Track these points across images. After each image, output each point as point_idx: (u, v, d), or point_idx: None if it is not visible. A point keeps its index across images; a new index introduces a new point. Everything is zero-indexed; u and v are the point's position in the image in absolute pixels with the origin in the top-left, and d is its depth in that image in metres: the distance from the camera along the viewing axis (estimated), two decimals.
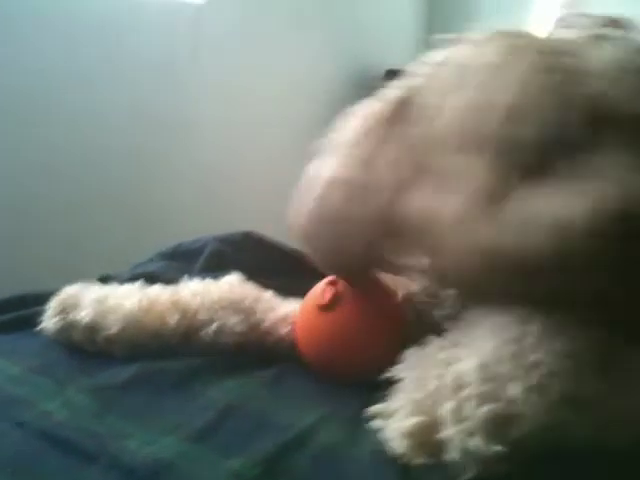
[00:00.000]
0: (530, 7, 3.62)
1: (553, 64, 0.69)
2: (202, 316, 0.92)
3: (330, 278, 0.93)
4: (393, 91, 0.83)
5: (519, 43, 0.73)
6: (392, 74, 3.16)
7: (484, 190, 0.68)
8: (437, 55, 0.82)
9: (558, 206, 0.64)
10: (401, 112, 0.80)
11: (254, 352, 0.93)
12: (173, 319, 0.91)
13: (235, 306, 0.94)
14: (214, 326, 0.92)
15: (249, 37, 2.91)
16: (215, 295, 0.94)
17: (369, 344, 0.87)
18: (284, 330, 0.95)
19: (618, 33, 0.75)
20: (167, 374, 0.86)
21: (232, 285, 0.97)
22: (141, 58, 2.48)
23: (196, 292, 0.94)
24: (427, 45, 3.21)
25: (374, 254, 0.82)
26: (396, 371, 0.73)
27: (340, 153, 0.84)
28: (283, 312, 0.96)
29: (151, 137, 2.55)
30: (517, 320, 0.69)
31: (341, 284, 0.91)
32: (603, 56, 0.70)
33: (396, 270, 0.86)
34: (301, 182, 0.89)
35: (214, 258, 1.16)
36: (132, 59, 2.46)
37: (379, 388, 0.73)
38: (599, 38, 0.73)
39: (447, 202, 0.70)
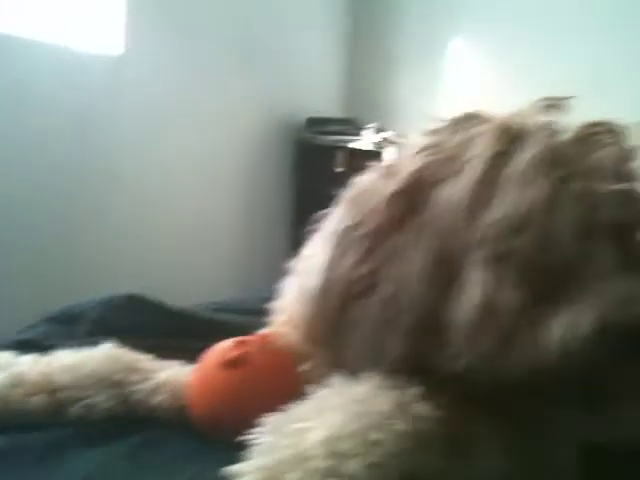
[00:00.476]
0: (445, 60, 3.73)
1: (566, 175, 0.71)
2: (71, 393, 0.92)
3: (240, 338, 0.95)
4: (392, 185, 0.80)
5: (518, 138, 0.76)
6: (314, 122, 3.24)
7: (490, 303, 0.70)
8: (425, 140, 0.82)
9: (565, 327, 0.67)
10: (412, 203, 0.78)
11: (125, 422, 0.93)
12: (40, 398, 0.91)
13: (105, 381, 0.94)
14: (82, 403, 0.92)
15: (169, 86, 2.93)
16: (86, 370, 0.94)
17: (266, 404, 0.88)
18: (158, 398, 0.96)
19: (609, 136, 0.78)
20: (31, 448, 0.86)
21: (104, 357, 0.97)
22: (60, 108, 2.49)
23: (66, 367, 0.94)
24: (348, 94, 3.30)
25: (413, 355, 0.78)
26: (255, 434, 0.74)
27: (343, 245, 0.81)
28: (158, 380, 0.97)
29: (69, 187, 2.55)
30: (370, 394, 0.72)
31: (253, 345, 0.93)
32: (601, 161, 0.74)
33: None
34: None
35: (97, 322, 1.17)
36: (51, 109, 2.46)
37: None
38: (591, 139, 0.77)
39: (463, 311, 0.72)
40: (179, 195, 3.04)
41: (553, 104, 0.81)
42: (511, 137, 0.75)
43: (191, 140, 3.07)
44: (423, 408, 0.70)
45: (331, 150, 3.31)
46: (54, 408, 0.92)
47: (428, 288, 0.74)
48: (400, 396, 0.71)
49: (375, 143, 3.29)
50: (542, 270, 0.70)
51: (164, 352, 1.05)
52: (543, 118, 0.79)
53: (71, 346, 1.01)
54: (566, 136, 0.77)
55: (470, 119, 0.81)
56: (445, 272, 0.74)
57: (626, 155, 0.76)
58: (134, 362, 0.99)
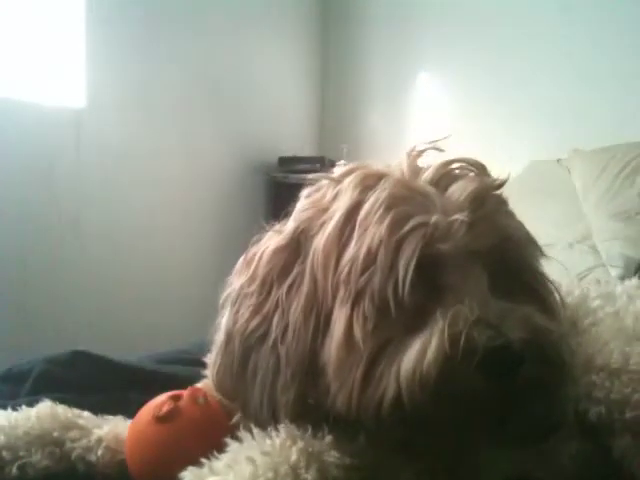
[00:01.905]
0: (413, 95, 3.78)
1: (403, 214, 0.77)
2: (5, 455, 0.94)
3: (173, 392, 0.98)
4: (274, 242, 0.87)
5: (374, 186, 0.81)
6: (285, 161, 3.29)
7: (349, 339, 0.75)
8: (313, 194, 0.89)
9: (414, 354, 0.71)
10: (293, 256, 0.85)
11: (63, 478, 0.95)
12: None
13: (41, 440, 0.96)
14: (18, 464, 0.94)
15: (134, 135, 2.96)
16: (20, 430, 0.96)
17: (194, 457, 0.91)
18: (98, 454, 0.99)
19: (466, 172, 0.86)
20: None
21: (41, 416, 0.99)
22: (22, 161, 2.51)
23: (1, 429, 0.96)
24: (319, 132, 3.34)
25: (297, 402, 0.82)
26: None
27: (238, 303, 0.87)
28: (97, 436, 1.00)
29: (34, 240, 2.57)
30: (279, 446, 0.75)
31: (184, 399, 0.95)
32: (449, 196, 0.80)
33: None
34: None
35: (42, 380, 1.19)
36: (15, 162, 2.49)
37: None
38: (446, 176, 0.83)
39: (330, 349, 0.77)
40: (147, 243, 3.05)
41: (426, 148, 0.88)
42: (367, 186, 0.81)
43: (159, 184, 3.09)
44: (332, 456, 0.74)
45: (303, 188, 3.34)
46: None
47: (305, 331, 0.80)
48: (309, 446, 0.75)
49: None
50: (395, 303, 0.74)
51: (108, 406, 1.07)
52: (408, 163, 0.85)
53: (13, 406, 1.03)
54: (424, 176, 0.82)
55: (347, 173, 0.86)
56: (320, 314, 0.79)
57: (479, 188, 0.81)
58: (73, 419, 1.01)
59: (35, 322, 2.54)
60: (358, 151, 3.82)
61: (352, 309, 0.76)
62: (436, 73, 3.72)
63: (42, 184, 2.58)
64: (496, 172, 2.77)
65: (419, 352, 0.71)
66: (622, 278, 2.21)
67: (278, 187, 3.63)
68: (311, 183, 0.91)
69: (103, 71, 2.78)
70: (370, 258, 0.76)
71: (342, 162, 3.51)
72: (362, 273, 0.76)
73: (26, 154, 2.51)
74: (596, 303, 1.09)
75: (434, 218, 0.77)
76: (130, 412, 1.04)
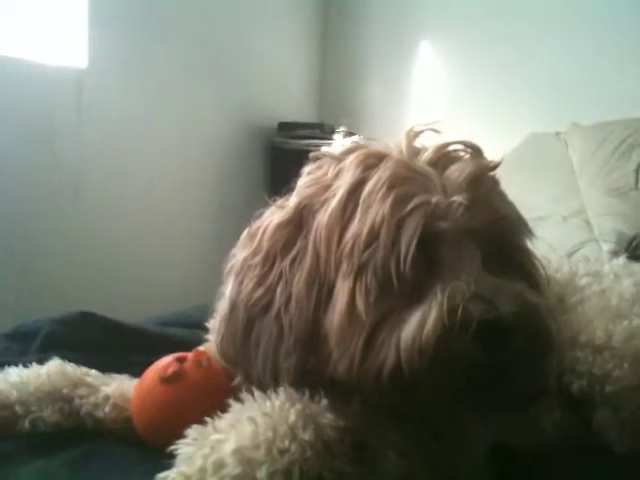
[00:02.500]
0: (414, 63, 3.79)
1: (405, 193, 0.81)
2: (18, 410, 1.00)
3: (179, 354, 1.03)
4: (278, 217, 0.91)
5: (376, 165, 0.85)
6: (285, 126, 3.29)
7: (352, 310, 0.80)
8: (315, 171, 0.94)
9: (414, 325, 0.76)
10: (296, 231, 0.89)
11: (73, 433, 1.01)
12: None
13: (51, 396, 1.02)
14: (30, 418, 0.99)
15: (134, 97, 2.95)
16: (32, 387, 1.02)
17: (198, 417, 0.96)
18: (105, 411, 1.04)
19: (461, 154, 0.90)
20: None
21: (52, 373, 1.04)
22: (25, 120, 2.51)
23: (13, 385, 1.02)
24: (319, 98, 3.35)
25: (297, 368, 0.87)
26: (178, 445, 0.82)
27: (242, 274, 0.92)
28: (104, 394, 1.05)
29: (34, 201, 2.57)
30: (278, 407, 0.80)
31: (188, 362, 1.01)
32: (447, 177, 0.84)
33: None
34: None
35: (50, 339, 1.24)
36: (15, 121, 2.48)
37: None
38: (443, 158, 0.87)
39: (333, 319, 0.82)
40: (148, 206, 3.06)
41: (423, 129, 0.92)
42: (369, 165, 0.86)
43: (159, 150, 3.10)
44: (328, 418, 0.80)
45: (303, 154, 3.34)
46: (3, 423, 0.99)
47: (308, 302, 0.85)
48: (306, 408, 0.80)
49: (345, 145, 3.35)
50: (396, 277, 0.79)
51: (113, 366, 1.13)
52: (407, 143, 0.89)
53: (24, 362, 1.08)
54: (423, 156, 0.87)
55: (348, 152, 0.91)
56: (322, 286, 0.84)
57: (475, 169, 0.86)
58: (81, 377, 1.07)
59: (37, 284, 2.56)
60: (357, 118, 3.84)
61: (355, 282, 0.81)
62: (437, 43, 3.71)
63: (43, 145, 2.58)
64: (496, 143, 2.80)
65: (419, 323, 0.76)
66: (614, 253, 2.25)
67: (277, 152, 3.65)
68: (313, 160, 0.94)
69: (106, 32, 2.76)
70: (373, 234, 0.81)
71: (342, 129, 3.55)
72: (365, 248, 0.81)
73: (26, 112, 2.51)
74: (584, 281, 1.14)
75: (435, 198, 0.81)
76: (133, 372, 1.10)
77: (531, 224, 2.49)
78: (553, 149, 2.94)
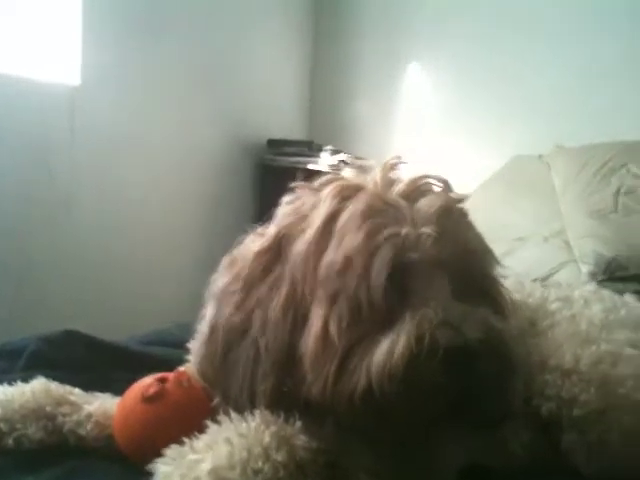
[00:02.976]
0: (403, 83, 3.83)
1: (377, 225, 0.85)
2: (2, 427, 1.02)
3: (160, 375, 1.07)
4: (258, 245, 0.95)
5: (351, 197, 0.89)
6: (274, 143, 3.33)
7: (325, 335, 0.83)
8: (294, 201, 0.97)
9: (384, 350, 0.80)
10: (274, 258, 0.93)
11: (57, 451, 1.03)
12: None
13: (36, 414, 1.04)
14: (14, 435, 1.02)
15: (127, 114, 2.97)
16: (16, 404, 1.04)
17: (178, 436, 0.99)
18: (87, 428, 1.07)
19: (434, 187, 0.94)
20: None
21: (35, 392, 1.07)
22: (16, 138, 2.52)
23: None
24: (308, 116, 3.39)
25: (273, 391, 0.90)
26: (156, 464, 0.84)
27: (221, 299, 0.96)
28: (86, 412, 1.08)
29: (29, 218, 2.59)
30: (254, 429, 0.84)
31: (170, 382, 1.04)
32: (418, 209, 0.88)
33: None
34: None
35: (35, 357, 1.27)
36: (8, 138, 2.49)
37: None
38: (416, 191, 0.91)
39: (307, 344, 0.85)
40: (140, 222, 3.08)
41: (397, 162, 0.97)
42: (344, 197, 0.90)
43: (151, 167, 3.12)
44: (301, 440, 0.83)
45: (291, 171, 3.40)
46: None
47: (284, 326, 0.88)
48: (280, 430, 0.84)
49: (331, 165, 3.39)
50: (368, 305, 0.83)
51: (96, 384, 1.16)
52: (382, 175, 0.93)
53: (9, 380, 1.11)
54: (396, 189, 0.91)
55: (326, 183, 0.95)
56: (298, 312, 0.88)
57: (445, 203, 0.90)
58: (65, 395, 1.09)
59: (31, 299, 2.57)
60: (346, 137, 3.88)
61: (328, 308, 0.85)
62: (426, 64, 3.76)
63: (37, 162, 2.60)
64: (482, 163, 2.83)
65: (389, 348, 0.80)
66: (592, 274, 2.30)
67: (266, 169, 3.68)
68: (292, 190, 0.98)
69: (99, 50, 2.78)
70: (347, 263, 0.84)
71: (329, 147, 3.59)
72: (339, 276, 0.85)
73: (20, 130, 2.52)
74: (555, 306, 1.17)
75: (405, 230, 0.85)
76: (116, 390, 1.12)
77: (512, 244, 2.55)
78: (536, 171, 2.99)
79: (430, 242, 0.85)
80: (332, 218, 0.89)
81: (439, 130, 3.68)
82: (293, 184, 0.99)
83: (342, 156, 3.45)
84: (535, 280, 1.54)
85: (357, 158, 3.38)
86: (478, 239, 0.94)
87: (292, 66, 4.04)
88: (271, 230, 0.96)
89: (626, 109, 3.08)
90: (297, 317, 0.88)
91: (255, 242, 0.96)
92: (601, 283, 2.20)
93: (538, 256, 2.55)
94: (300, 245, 0.90)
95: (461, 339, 0.79)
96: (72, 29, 2.73)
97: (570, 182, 2.74)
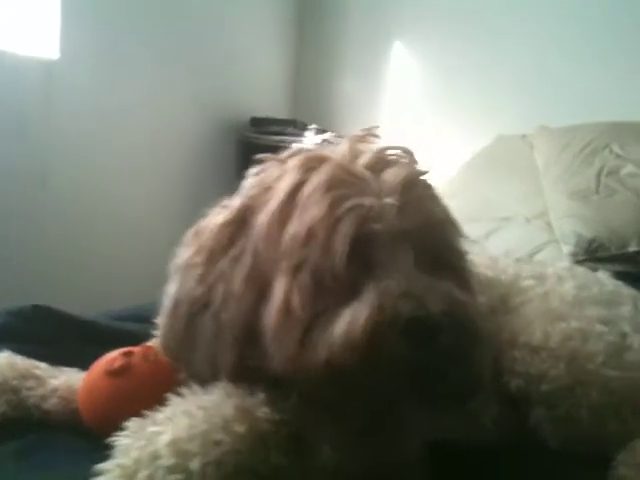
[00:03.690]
0: (388, 62, 3.81)
1: (341, 196, 0.84)
2: None
3: (126, 349, 1.06)
4: (220, 217, 0.94)
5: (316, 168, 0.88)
6: (257, 121, 3.30)
7: (288, 307, 0.82)
8: (260, 173, 0.96)
9: (346, 321, 0.79)
10: (238, 230, 0.91)
11: (20, 424, 1.02)
12: None
13: (1, 387, 1.04)
14: None
15: (106, 89, 2.95)
16: None
17: (143, 410, 0.98)
18: (52, 402, 1.07)
19: (399, 159, 0.92)
20: None
21: (0, 365, 1.06)
22: None
23: None
24: (293, 94, 3.36)
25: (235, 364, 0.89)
26: (117, 437, 0.83)
27: (184, 272, 0.94)
28: (52, 386, 1.08)
29: (2, 192, 2.57)
30: (215, 401, 0.83)
31: (135, 356, 1.03)
32: (383, 181, 0.86)
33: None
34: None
35: (3, 331, 1.25)
36: None
37: None
38: (380, 162, 0.90)
39: (269, 316, 0.84)
40: (117, 199, 3.06)
41: (365, 134, 0.95)
42: (309, 168, 0.88)
43: (130, 143, 3.09)
44: (263, 412, 0.83)
45: (274, 150, 3.34)
46: None
47: (246, 299, 0.87)
48: (242, 402, 0.83)
49: (315, 144, 3.37)
50: (331, 276, 0.82)
51: (65, 359, 1.14)
52: (349, 147, 0.92)
53: None
54: (362, 160, 0.89)
55: (292, 155, 0.94)
56: (261, 285, 0.87)
57: (409, 174, 0.89)
58: (30, 369, 1.08)
59: (1, 275, 2.55)
60: (331, 116, 3.86)
61: (291, 280, 0.83)
62: (411, 43, 3.73)
63: (11, 134, 2.57)
64: (468, 143, 2.83)
65: (351, 320, 0.79)
66: (573, 255, 2.30)
67: (249, 147, 3.63)
68: (259, 162, 0.97)
69: (78, 24, 2.75)
70: (310, 235, 0.83)
71: (314, 126, 3.57)
72: (302, 248, 0.83)
73: None
74: (527, 283, 1.17)
75: (368, 201, 0.84)
76: (86, 365, 1.10)
77: (496, 224, 2.55)
78: (519, 151, 2.98)
79: (393, 213, 0.84)
80: (296, 189, 0.87)
81: (425, 109, 3.66)
82: (260, 156, 0.98)
83: (327, 135, 3.43)
84: (525, 259, 1.54)
85: (340, 136, 3.36)
86: (443, 211, 0.92)
87: (276, 44, 4.00)
88: (235, 202, 0.94)
89: (611, 91, 3.07)
90: (260, 290, 0.86)
91: (220, 214, 0.95)
92: (582, 263, 2.21)
93: (520, 236, 2.55)
94: (263, 217, 0.88)
95: (423, 311, 0.78)
96: (51, 3, 2.70)
97: (552, 162, 2.74)
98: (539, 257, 2.36)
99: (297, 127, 3.61)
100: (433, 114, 3.62)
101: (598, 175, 2.55)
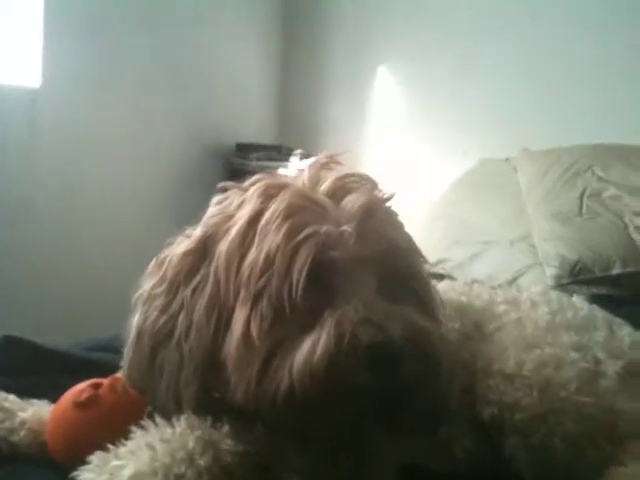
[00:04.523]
0: (373, 87, 3.83)
1: (298, 223, 0.84)
2: None
3: (94, 380, 1.04)
4: (182, 247, 0.93)
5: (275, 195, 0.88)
6: (243, 147, 3.29)
7: (247, 337, 0.82)
8: (222, 201, 0.95)
9: (305, 350, 0.79)
10: (199, 260, 0.91)
11: None
12: None
13: None
14: None
15: (90, 116, 2.94)
16: None
17: (110, 442, 0.97)
18: (20, 435, 1.05)
19: (357, 185, 0.92)
20: None
21: None
22: None
23: None
24: (278, 120, 3.36)
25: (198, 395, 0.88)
26: (79, 471, 0.82)
27: (147, 303, 0.93)
28: (20, 419, 1.06)
29: None
30: (178, 434, 0.82)
31: (103, 387, 1.02)
32: (343, 207, 0.87)
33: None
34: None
35: None
36: None
37: None
38: (340, 189, 0.90)
39: (230, 346, 0.84)
40: (101, 226, 3.04)
41: (330, 161, 0.96)
42: (269, 196, 0.88)
43: (113, 169, 3.08)
44: (227, 444, 0.82)
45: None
46: None
47: (207, 329, 0.87)
48: (205, 435, 0.82)
49: (300, 169, 3.37)
50: (289, 304, 0.82)
51: (35, 390, 1.13)
52: (310, 174, 0.92)
53: None
54: (322, 187, 0.90)
55: (254, 182, 0.93)
56: (222, 314, 0.86)
57: (368, 201, 0.89)
58: None
59: None
60: (317, 141, 3.87)
61: (251, 309, 0.83)
62: (394, 67, 3.76)
63: None
64: (450, 166, 2.84)
65: (310, 348, 0.79)
66: (557, 277, 2.30)
67: (235, 173, 3.63)
68: (221, 190, 0.96)
69: (60, 52, 2.75)
70: (268, 263, 0.83)
71: (299, 151, 3.57)
72: (261, 277, 0.83)
73: None
74: (501, 308, 1.16)
75: (325, 228, 0.84)
76: (55, 397, 1.09)
77: (480, 247, 2.55)
78: (502, 174, 2.99)
79: (352, 239, 0.84)
80: (256, 217, 0.87)
81: (408, 133, 3.68)
82: (222, 184, 0.98)
83: (310, 160, 3.43)
84: (501, 285, 1.53)
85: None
86: (405, 237, 0.93)
87: (261, 69, 4.02)
88: (198, 231, 0.94)
89: (592, 113, 3.09)
90: (221, 320, 0.86)
91: (182, 243, 0.94)
92: (567, 287, 2.21)
93: (504, 259, 2.55)
94: (224, 245, 0.88)
95: (383, 336, 0.78)
96: (33, 31, 2.71)
97: (535, 185, 2.75)
98: (523, 280, 2.36)
99: (282, 152, 3.62)
100: (416, 137, 3.64)
101: (581, 197, 2.56)
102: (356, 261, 0.84)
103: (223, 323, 0.86)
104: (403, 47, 3.71)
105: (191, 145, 3.55)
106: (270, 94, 4.08)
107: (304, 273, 0.81)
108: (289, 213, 0.85)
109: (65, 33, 2.78)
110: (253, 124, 3.94)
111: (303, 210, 0.86)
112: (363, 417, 0.81)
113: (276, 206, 0.86)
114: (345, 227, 0.84)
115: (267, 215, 0.86)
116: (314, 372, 0.77)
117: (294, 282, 0.81)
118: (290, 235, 0.83)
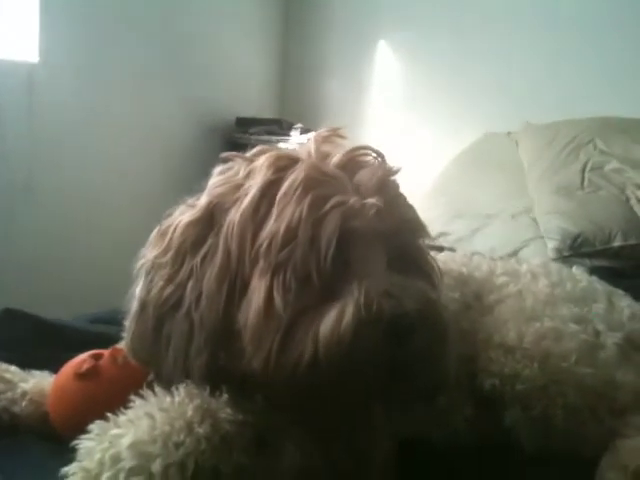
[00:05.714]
0: (373, 62, 3.81)
1: (322, 195, 0.83)
2: None
3: (95, 351, 1.05)
4: (188, 216, 0.93)
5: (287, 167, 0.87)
6: (243, 122, 3.27)
7: (269, 307, 0.81)
8: (225, 171, 0.95)
9: (332, 319, 0.79)
10: (207, 229, 0.90)
11: None
12: None
13: None
14: None
15: (88, 92, 2.92)
16: None
17: (112, 413, 0.97)
18: (21, 406, 1.05)
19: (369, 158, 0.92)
20: None
21: None
22: None
23: None
24: (278, 94, 3.34)
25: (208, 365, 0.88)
26: (80, 440, 0.82)
27: (151, 273, 0.93)
28: (22, 390, 1.07)
29: None
30: (176, 403, 0.82)
31: (104, 358, 1.02)
32: (359, 180, 0.87)
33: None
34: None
35: None
36: None
37: None
38: (353, 162, 0.90)
39: (248, 316, 0.83)
40: (102, 204, 3.02)
41: (332, 134, 0.95)
42: (280, 167, 0.88)
43: (113, 146, 3.06)
44: (226, 413, 0.82)
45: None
46: None
47: (219, 298, 0.86)
48: (204, 404, 0.82)
49: (300, 143, 3.36)
50: (317, 274, 0.82)
51: (36, 362, 1.13)
52: (315, 147, 0.91)
53: None
54: (333, 160, 0.89)
55: (258, 153, 0.93)
56: (234, 283, 0.86)
57: (382, 173, 0.89)
58: (0, 372, 1.07)
59: None
60: (316, 115, 3.85)
61: (272, 279, 0.82)
62: (394, 42, 3.73)
63: None
64: (452, 141, 2.82)
65: (337, 316, 0.79)
66: (558, 250, 2.29)
67: (235, 148, 3.59)
68: (224, 160, 0.96)
69: (57, 26, 2.72)
70: (290, 234, 0.82)
71: (299, 125, 3.56)
72: (282, 247, 0.82)
73: None
74: (501, 280, 1.17)
75: (352, 199, 0.84)
76: (56, 369, 1.09)
77: (482, 221, 2.55)
78: (504, 148, 2.98)
79: (373, 212, 0.84)
80: (269, 187, 0.86)
81: (408, 107, 3.66)
82: (224, 154, 0.97)
83: (311, 134, 3.42)
84: (501, 257, 1.54)
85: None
86: (413, 212, 0.93)
87: (261, 43, 3.99)
88: (202, 200, 0.93)
89: (594, 86, 3.06)
90: (233, 289, 0.85)
91: (186, 213, 0.93)
92: (568, 259, 2.21)
93: (506, 233, 2.55)
94: (235, 214, 0.87)
95: (402, 309, 0.79)
96: (30, 6, 2.68)
97: (537, 159, 2.73)
98: (524, 253, 2.36)
99: (283, 127, 3.60)
100: (417, 112, 3.62)
101: (582, 171, 2.55)
102: (374, 233, 0.85)
103: (237, 292, 0.85)
104: (403, 21, 3.67)
105: (192, 120, 3.53)
106: (270, 69, 4.06)
107: (333, 242, 0.82)
108: (309, 185, 0.84)
109: (62, 7, 2.75)
110: (253, 99, 3.92)
111: (322, 182, 0.85)
112: (372, 387, 0.82)
113: (294, 177, 0.85)
114: (370, 199, 0.84)
115: (285, 186, 0.85)
116: (340, 340, 0.78)
117: (322, 251, 0.81)
118: (314, 206, 0.83)
